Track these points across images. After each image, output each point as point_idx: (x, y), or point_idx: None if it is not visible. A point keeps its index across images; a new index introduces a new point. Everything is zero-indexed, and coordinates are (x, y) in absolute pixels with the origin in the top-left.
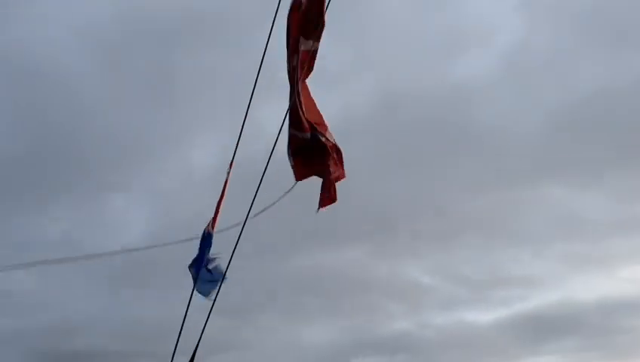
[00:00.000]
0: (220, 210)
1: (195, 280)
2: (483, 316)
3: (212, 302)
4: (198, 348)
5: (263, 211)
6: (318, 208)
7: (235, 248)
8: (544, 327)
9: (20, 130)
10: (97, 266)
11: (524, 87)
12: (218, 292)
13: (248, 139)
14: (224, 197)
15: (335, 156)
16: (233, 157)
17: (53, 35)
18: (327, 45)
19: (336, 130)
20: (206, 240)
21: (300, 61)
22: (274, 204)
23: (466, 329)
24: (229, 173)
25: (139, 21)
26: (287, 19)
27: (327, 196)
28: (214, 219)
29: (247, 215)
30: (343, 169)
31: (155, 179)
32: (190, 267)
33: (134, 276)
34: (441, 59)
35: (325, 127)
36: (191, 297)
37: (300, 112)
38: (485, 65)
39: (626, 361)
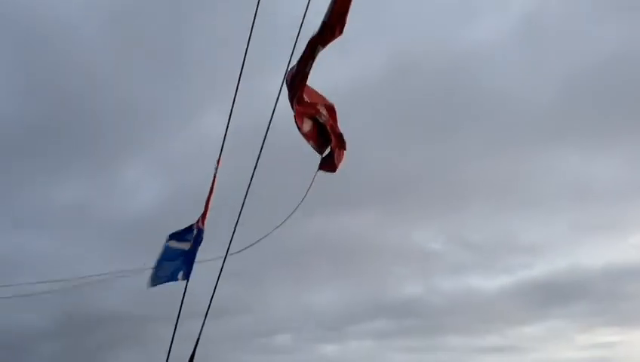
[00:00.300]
0: (210, 205)
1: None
2: (491, 282)
3: (218, 274)
4: (209, 312)
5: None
6: (318, 169)
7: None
8: (551, 293)
9: (33, 97)
10: (112, 232)
11: (538, 52)
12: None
13: (257, 109)
14: (213, 192)
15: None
16: (220, 154)
17: (67, 2)
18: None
19: (348, 95)
20: (198, 236)
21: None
22: (300, 202)
23: (473, 294)
24: (216, 169)
25: None
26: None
27: (329, 163)
28: (204, 214)
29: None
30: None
31: (166, 147)
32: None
33: (148, 241)
34: (455, 23)
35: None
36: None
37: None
38: (500, 30)
39: (632, 326)
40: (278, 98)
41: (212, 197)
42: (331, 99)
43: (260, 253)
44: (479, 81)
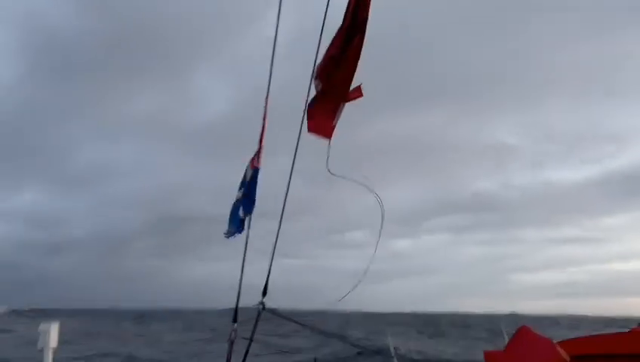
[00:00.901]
0: (263, 143)
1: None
2: (571, 173)
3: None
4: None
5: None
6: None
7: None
8: (635, 183)
9: (107, 13)
10: (192, 140)
11: None
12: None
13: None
14: (265, 129)
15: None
16: (268, 91)
17: None
18: None
19: None
20: (253, 177)
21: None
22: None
23: (552, 186)
24: (265, 106)
25: None
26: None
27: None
28: (259, 153)
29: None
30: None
31: (236, 53)
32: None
33: (223, 144)
34: None
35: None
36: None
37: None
38: None
39: None
40: None
41: (265, 135)
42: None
43: (332, 151)
44: None
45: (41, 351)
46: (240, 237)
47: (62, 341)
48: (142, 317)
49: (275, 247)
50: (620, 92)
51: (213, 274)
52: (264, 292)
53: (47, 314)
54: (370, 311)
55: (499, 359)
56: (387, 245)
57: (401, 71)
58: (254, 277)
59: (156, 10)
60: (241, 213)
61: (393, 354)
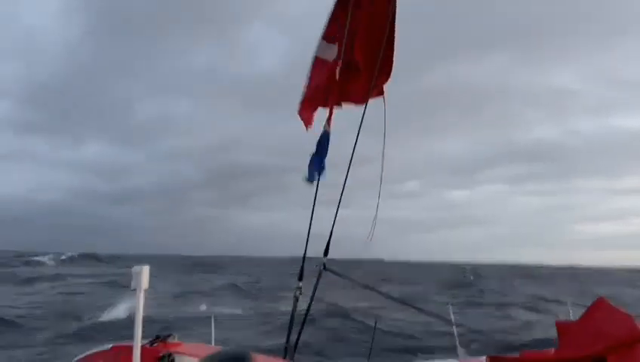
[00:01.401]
0: (334, 109)
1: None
2: (635, 120)
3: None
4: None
5: None
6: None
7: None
8: None
9: None
10: (248, 93)
11: None
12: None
13: None
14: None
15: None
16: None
17: None
18: None
19: None
20: (324, 139)
21: None
22: None
23: (615, 134)
24: (337, 71)
25: None
26: None
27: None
28: (329, 117)
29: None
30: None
31: (287, 7)
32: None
33: (281, 101)
34: None
35: None
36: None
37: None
38: None
39: None
40: None
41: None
42: None
43: (389, 102)
44: None
45: (134, 290)
46: (312, 187)
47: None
48: (214, 265)
49: (337, 210)
50: None
51: (270, 223)
52: (325, 252)
53: (122, 259)
54: (423, 260)
55: (571, 330)
56: (442, 194)
57: (464, 17)
58: (314, 226)
59: None
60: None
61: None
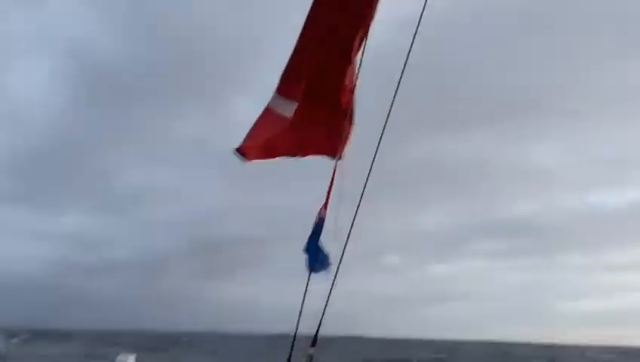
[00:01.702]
0: (331, 197)
1: (312, 260)
2: (617, 197)
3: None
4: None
5: None
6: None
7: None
8: None
9: (152, 43)
10: (229, 163)
11: None
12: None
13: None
14: (333, 184)
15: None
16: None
17: None
18: None
19: (449, 18)
20: (318, 226)
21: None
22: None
23: (596, 211)
24: (337, 162)
25: None
26: None
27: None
28: (326, 203)
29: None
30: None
31: (272, 79)
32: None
33: (264, 172)
34: None
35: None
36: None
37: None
38: None
39: None
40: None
41: (333, 187)
42: (426, 25)
43: (371, 174)
44: None
45: None
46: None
47: None
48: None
49: (329, 295)
50: None
51: (251, 297)
52: (313, 343)
53: (93, 336)
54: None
55: None
56: (423, 269)
57: (445, 94)
58: (296, 299)
59: (201, 36)
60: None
61: None
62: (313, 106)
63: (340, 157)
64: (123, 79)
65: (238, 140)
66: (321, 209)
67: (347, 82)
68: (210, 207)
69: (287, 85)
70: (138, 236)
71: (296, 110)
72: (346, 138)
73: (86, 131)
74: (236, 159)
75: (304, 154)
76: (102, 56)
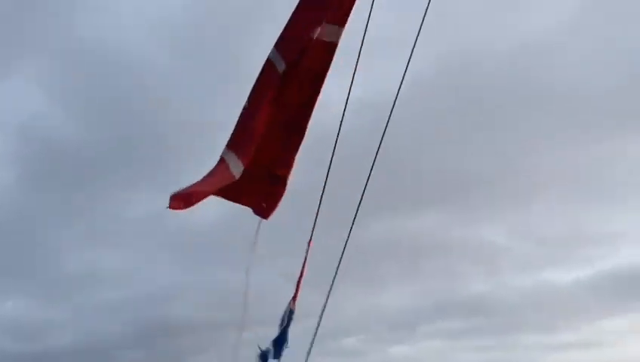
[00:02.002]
0: (300, 287)
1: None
2: (565, 275)
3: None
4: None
5: None
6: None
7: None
8: (632, 285)
9: (104, 120)
10: (181, 245)
11: (599, 38)
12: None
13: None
14: (304, 274)
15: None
16: (311, 236)
17: (128, 27)
18: (388, 11)
19: (404, 94)
20: (289, 316)
21: (311, 57)
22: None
23: (546, 289)
24: (307, 250)
25: (209, 11)
26: None
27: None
28: (295, 295)
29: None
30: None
31: None
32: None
33: (216, 254)
34: (512, 14)
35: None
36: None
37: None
38: (561, 18)
39: None
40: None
41: (303, 278)
42: (386, 99)
43: (325, 255)
44: (541, 71)
45: None
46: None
47: None
48: None
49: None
50: (607, 192)
51: None
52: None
53: None
54: None
55: None
56: (384, 351)
57: (399, 175)
58: None
59: (154, 118)
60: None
61: None
62: (258, 169)
63: (266, 218)
64: (74, 157)
65: (188, 219)
66: (290, 301)
67: (292, 155)
68: (159, 289)
69: (236, 144)
70: (81, 321)
71: (243, 171)
72: (277, 203)
73: (32, 211)
74: (188, 240)
75: (237, 202)
76: (52, 132)
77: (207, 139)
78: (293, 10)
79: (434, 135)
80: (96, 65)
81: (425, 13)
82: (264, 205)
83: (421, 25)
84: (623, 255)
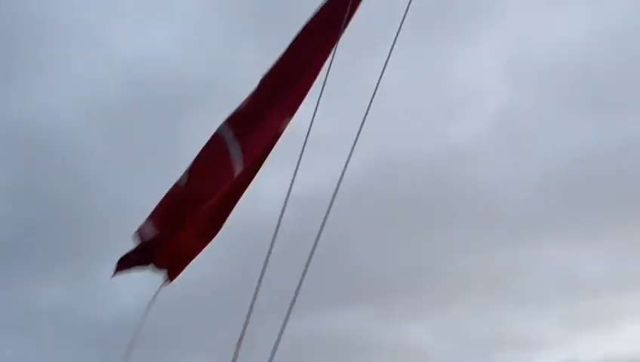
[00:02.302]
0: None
1: None
2: None
3: None
4: None
5: None
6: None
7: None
8: None
9: (22, 202)
10: (94, 334)
11: (516, 148)
12: None
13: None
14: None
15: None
16: (243, 333)
17: (56, 108)
18: (321, 113)
19: (330, 194)
20: None
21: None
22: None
23: None
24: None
25: (142, 91)
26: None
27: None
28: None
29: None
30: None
31: None
32: None
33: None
34: (434, 125)
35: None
36: None
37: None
38: (478, 130)
39: None
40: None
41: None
42: (318, 198)
43: (248, 352)
44: (462, 178)
45: None
46: None
47: None
48: None
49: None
50: (526, 298)
51: None
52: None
53: None
54: None
55: None
56: None
57: (322, 271)
58: None
59: (66, 199)
60: None
61: None
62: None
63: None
64: None
65: (103, 309)
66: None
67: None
68: None
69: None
70: None
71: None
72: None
73: None
74: (102, 329)
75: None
76: None
77: (127, 227)
78: (254, 92)
79: (358, 236)
80: (19, 147)
81: (365, 115)
82: (178, 266)
83: (361, 126)
84: (542, 359)
